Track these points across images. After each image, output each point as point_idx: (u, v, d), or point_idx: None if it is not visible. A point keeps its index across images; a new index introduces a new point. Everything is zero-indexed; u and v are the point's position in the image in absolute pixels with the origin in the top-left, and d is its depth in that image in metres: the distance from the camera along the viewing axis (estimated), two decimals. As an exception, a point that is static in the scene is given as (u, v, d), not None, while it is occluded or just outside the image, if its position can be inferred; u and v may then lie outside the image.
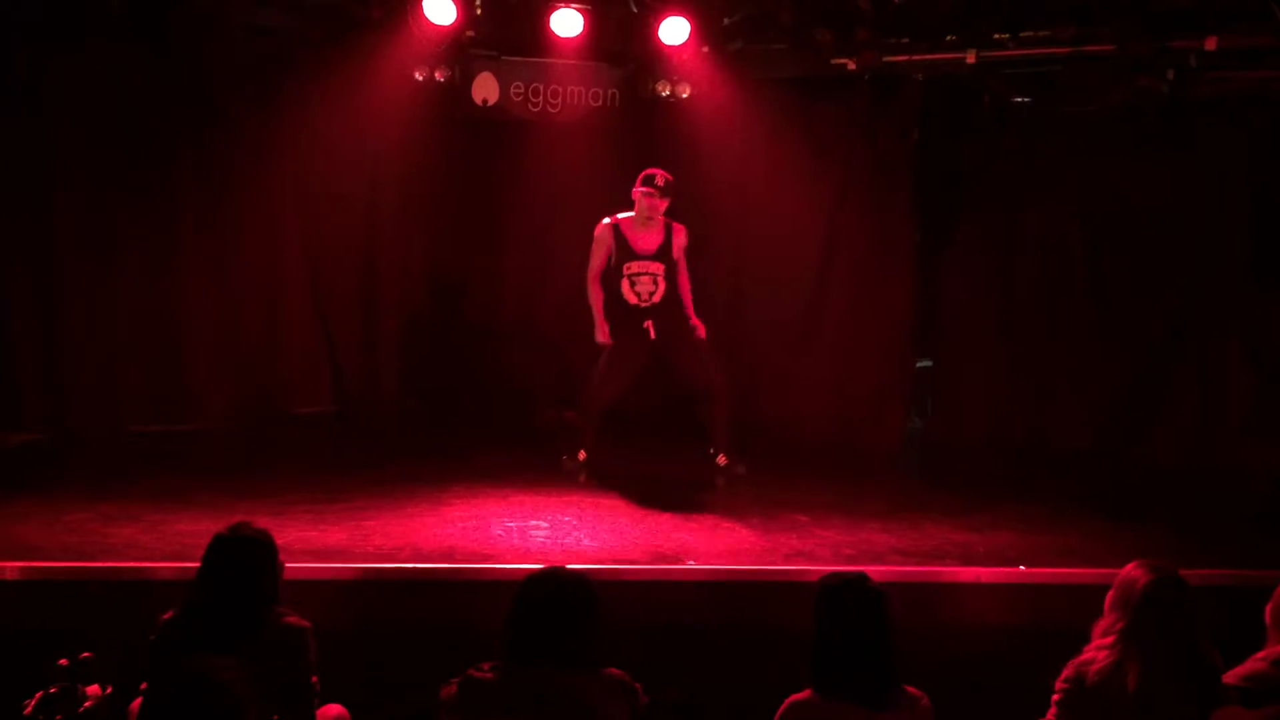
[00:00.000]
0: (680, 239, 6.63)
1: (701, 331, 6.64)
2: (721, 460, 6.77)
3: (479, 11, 7.24)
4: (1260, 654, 3.53)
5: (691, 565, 5.19)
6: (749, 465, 6.81)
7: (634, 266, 6.57)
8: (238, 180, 7.92)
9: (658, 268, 6.58)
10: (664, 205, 6.55)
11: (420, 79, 7.50)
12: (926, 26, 7.18)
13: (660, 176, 6.51)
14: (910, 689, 3.10)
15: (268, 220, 8.13)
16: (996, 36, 7.13)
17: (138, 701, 3.20)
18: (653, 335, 6.61)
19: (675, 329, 6.64)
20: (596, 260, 6.62)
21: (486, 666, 3.05)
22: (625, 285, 6.58)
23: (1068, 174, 7.89)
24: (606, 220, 6.62)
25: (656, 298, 6.60)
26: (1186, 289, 7.59)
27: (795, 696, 3.08)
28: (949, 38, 7.24)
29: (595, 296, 6.62)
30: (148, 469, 6.54)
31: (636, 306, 6.60)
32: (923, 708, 3.09)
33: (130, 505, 5.66)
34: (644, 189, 6.49)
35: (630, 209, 6.59)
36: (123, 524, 5.37)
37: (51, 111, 7.23)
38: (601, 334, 6.63)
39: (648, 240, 6.58)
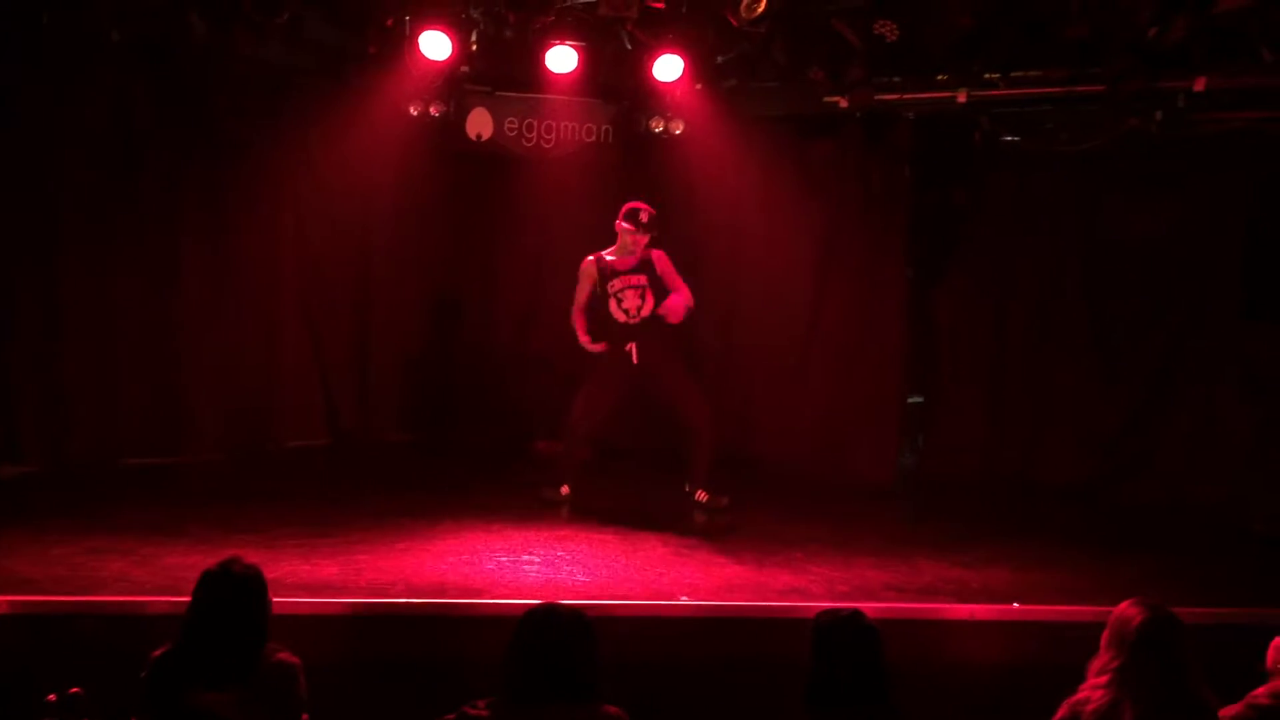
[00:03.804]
0: (661, 264, 6.70)
1: (687, 296, 6.64)
2: (701, 496, 6.78)
3: (474, 47, 7.29)
4: (1260, 689, 3.53)
5: (685, 601, 5.17)
6: (733, 497, 6.81)
7: (617, 284, 6.66)
8: (235, 212, 7.95)
9: (641, 279, 6.65)
10: (645, 240, 6.65)
11: (415, 114, 7.55)
12: (918, 66, 7.24)
13: (644, 212, 6.61)
14: (905, 727, 3.09)
15: (264, 253, 8.14)
16: (987, 76, 7.18)
17: (128, 738, 3.18)
18: (635, 359, 6.63)
19: (658, 358, 6.68)
20: (581, 294, 6.76)
21: (481, 704, 3.03)
22: (613, 305, 6.66)
23: (1059, 211, 7.94)
24: (591, 257, 6.74)
25: (645, 311, 6.63)
26: (1179, 326, 7.62)
27: (790, 734, 3.07)
28: (940, 77, 7.30)
29: (579, 323, 6.75)
30: (141, 502, 6.50)
31: (625, 324, 6.64)
32: (918, 746, 3.08)
33: (122, 538, 5.63)
34: (626, 225, 6.61)
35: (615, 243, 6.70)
36: (114, 557, 5.34)
37: (53, 142, 7.23)
38: (589, 343, 6.71)
39: (628, 261, 6.67)
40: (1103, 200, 7.80)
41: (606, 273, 6.69)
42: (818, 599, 5.15)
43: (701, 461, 6.80)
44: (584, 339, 6.73)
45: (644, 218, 6.60)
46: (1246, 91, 6.76)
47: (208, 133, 7.76)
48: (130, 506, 6.33)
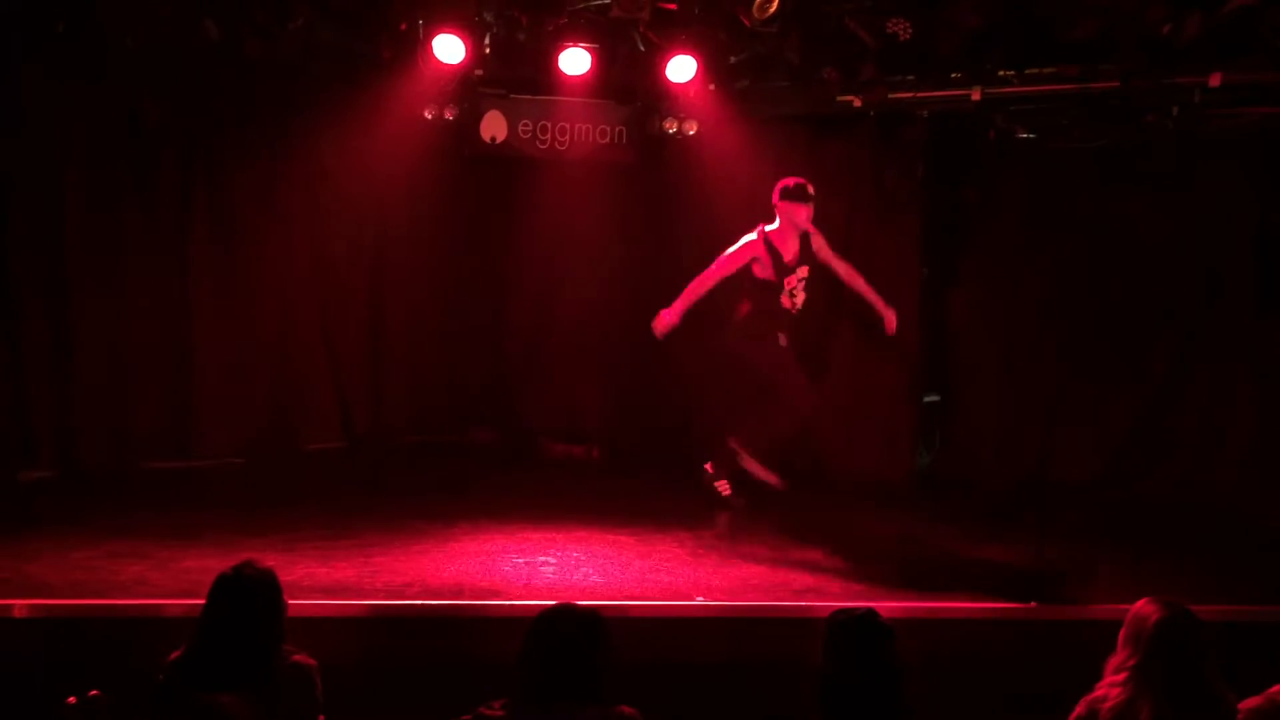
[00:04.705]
0: (818, 245, 6.58)
1: (893, 321, 6.65)
2: (723, 488, 6.63)
3: (487, 50, 7.30)
4: (1275, 688, 3.51)
5: (701, 601, 5.17)
6: (748, 499, 6.66)
7: (793, 279, 6.51)
8: (249, 217, 7.99)
9: (806, 270, 6.55)
10: (810, 213, 6.46)
11: (429, 117, 7.56)
12: (931, 64, 7.22)
13: (810, 185, 6.47)
14: (920, 726, 3.09)
15: (278, 257, 8.18)
16: (1001, 74, 7.16)
17: (146, 740, 3.19)
18: (783, 342, 6.55)
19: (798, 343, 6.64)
20: (725, 269, 6.45)
21: (497, 705, 3.04)
22: (785, 298, 6.50)
23: (1073, 209, 7.91)
24: (756, 237, 6.47)
25: (802, 304, 6.60)
26: (1193, 323, 7.58)
27: (805, 733, 3.07)
28: (954, 75, 7.28)
29: (694, 286, 6.45)
30: (157, 506, 6.56)
31: (789, 315, 6.55)
32: (934, 745, 3.07)
33: (139, 542, 5.67)
34: (798, 203, 6.41)
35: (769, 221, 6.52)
36: (131, 561, 5.38)
37: (64, 148, 7.30)
38: (669, 316, 6.43)
39: (792, 249, 6.51)
40: (1116, 197, 7.76)
41: (780, 264, 6.45)
42: (833, 598, 5.14)
43: (763, 447, 6.58)
44: (678, 309, 6.41)
45: (812, 190, 6.44)
46: (1262, 86, 6.72)
47: (220, 138, 7.80)
48: (147, 510, 6.39)
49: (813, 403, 6.67)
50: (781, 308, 6.53)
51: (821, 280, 6.70)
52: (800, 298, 6.57)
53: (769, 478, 6.56)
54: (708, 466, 6.68)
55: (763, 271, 6.47)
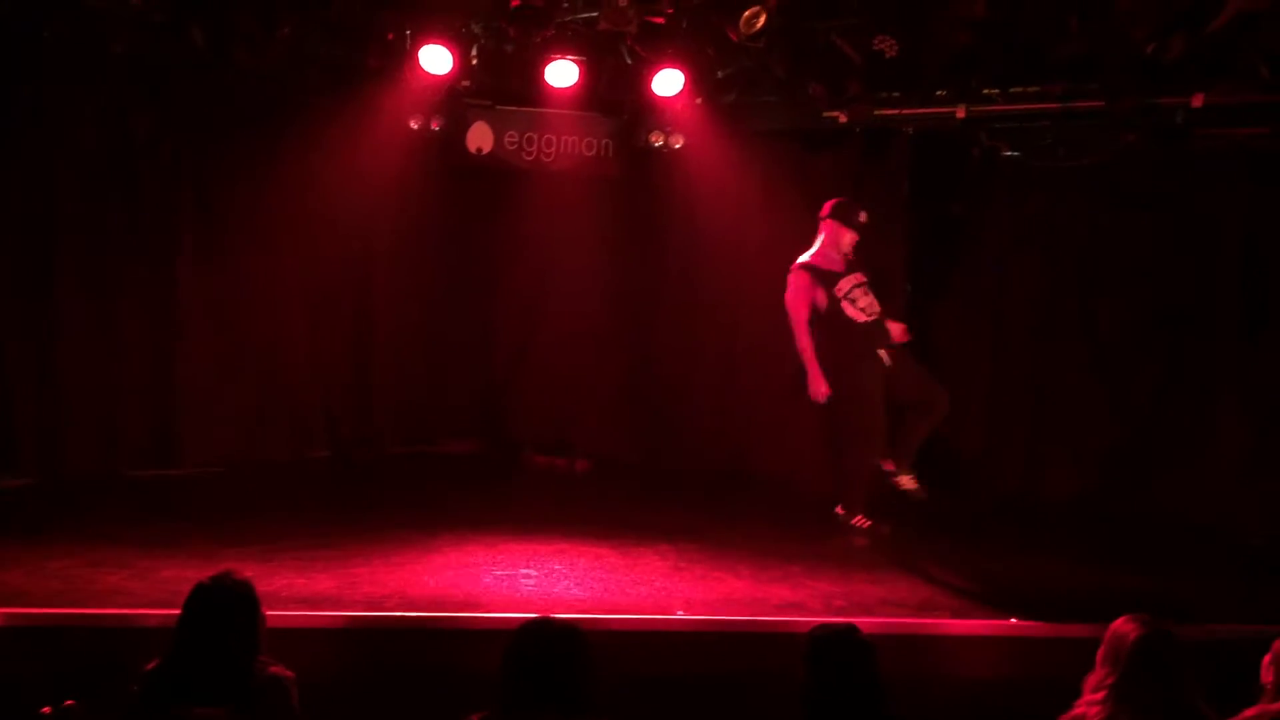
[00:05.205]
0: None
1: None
2: (861, 523, 6.42)
3: (474, 62, 7.31)
4: (1251, 710, 3.52)
5: (682, 615, 5.16)
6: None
7: (844, 285, 6.36)
8: (236, 226, 7.97)
9: (861, 276, 6.41)
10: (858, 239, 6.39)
11: (416, 128, 7.57)
12: (917, 81, 7.26)
13: (859, 209, 6.40)
14: (900, 742, 3.09)
15: (264, 266, 8.15)
16: (986, 92, 7.20)
17: (120, 751, 3.17)
18: (888, 362, 6.37)
19: (897, 351, 6.44)
20: (802, 310, 6.33)
21: (476, 717, 3.03)
22: (846, 307, 6.33)
23: (1058, 226, 7.95)
24: (799, 266, 6.37)
25: (877, 307, 6.42)
26: (1177, 342, 7.62)
27: (785, 750, 3.06)
28: (939, 93, 7.31)
29: (809, 346, 6.32)
30: (139, 514, 6.51)
31: (865, 325, 6.34)
32: (912, 761, 3.07)
33: (119, 551, 5.63)
34: (843, 223, 6.36)
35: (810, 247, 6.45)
36: (110, 570, 5.34)
37: (52, 152, 7.27)
38: (819, 385, 6.31)
39: (839, 262, 6.42)
40: (1101, 216, 7.81)
41: (826, 278, 6.35)
42: (814, 614, 5.14)
43: (913, 446, 6.47)
44: (816, 372, 6.27)
45: (863, 216, 6.36)
46: (1244, 108, 6.77)
47: (207, 147, 7.79)
48: (128, 519, 6.34)
49: (946, 400, 6.45)
50: (854, 323, 6.34)
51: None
52: (863, 301, 6.39)
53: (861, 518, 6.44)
54: (839, 510, 6.49)
55: (823, 299, 6.34)
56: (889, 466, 6.44)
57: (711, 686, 4.67)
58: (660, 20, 6.89)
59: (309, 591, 5.16)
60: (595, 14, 6.77)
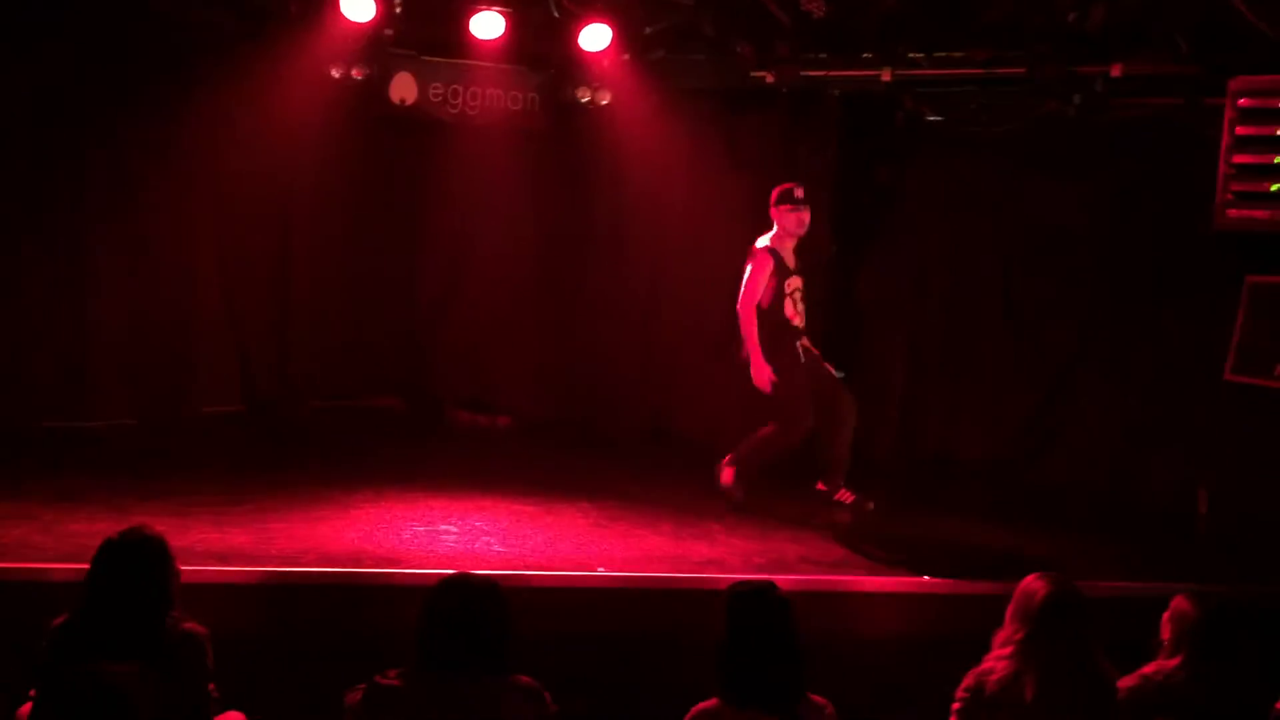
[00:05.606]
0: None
1: None
2: (845, 497, 6.30)
3: (398, 10, 7.16)
4: (1149, 666, 3.64)
5: (601, 572, 5.18)
6: (746, 493, 6.41)
7: (793, 283, 6.22)
8: (150, 173, 7.75)
9: (800, 279, 6.29)
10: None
11: (337, 76, 7.39)
12: (845, 43, 7.28)
13: (803, 189, 6.22)
14: (815, 697, 3.13)
15: (179, 215, 7.95)
16: (911, 56, 7.24)
17: (26, 707, 3.11)
18: (803, 359, 6.26)
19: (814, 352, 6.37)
20: (758, 290, 6.13)
21: (393, 673, 3.02)
22: (789, 306, 6.20)
23: (979, 192, 8.04)
24: (764, 245, 6.19)
25: (804, 315, 6.32)
26: (1092, 307, 7.76)
27: (702, 704, 3.09)
28: (866, 55, 7.34)
29: (753, 330, 6.14)
30: (48, 467, 6.36)
31: (797, 329, 6.24)
32: (828, 716, 3.12)
33: (26, 504, 5.50)
34: (796, 209, 6.18)
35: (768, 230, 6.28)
36: (16, 523, 5.21)
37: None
38: (765, 373, 6.11)
39: (793, 257, 6.29)
40: (1021, 183, 7.90)
41: (781, 270, 6.17)
42: (734, 571, 5.19)
43: (844, 456, 6.32)
44: (759, 357, 6.07)
45: (799, 192, 6.15)
46: (1161, 79, 6.89)
47: (121, 91, 7.54)
48: (37, 471, 6.20)
49: (855, 409, 6.37)
50: (790, 323, 6.25)
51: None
52: (801, 306, 6.30)
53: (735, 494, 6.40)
54: (820, 486, 6.38)
55: (771, 290, 6.19)
56: (822, 488, 6.35)
57: (631, 643, 4.70)
58: (588, -27, 6.83)
59: (224, 546, 5.09)
60: (522, -35, 6.68)
